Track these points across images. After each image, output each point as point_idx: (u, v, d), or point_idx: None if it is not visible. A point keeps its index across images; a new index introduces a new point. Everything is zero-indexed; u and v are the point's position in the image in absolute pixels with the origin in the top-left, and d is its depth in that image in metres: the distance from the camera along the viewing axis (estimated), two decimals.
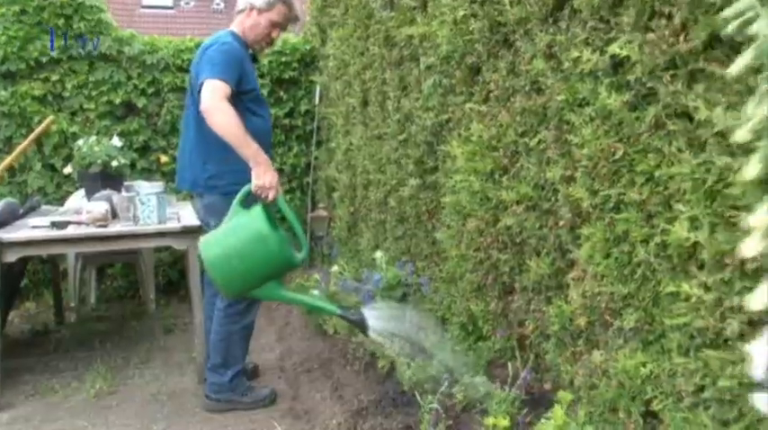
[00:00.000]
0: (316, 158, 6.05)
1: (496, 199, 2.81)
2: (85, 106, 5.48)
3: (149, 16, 22.33)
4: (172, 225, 3.43)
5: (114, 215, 3.64)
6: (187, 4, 23.79)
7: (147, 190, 3.58)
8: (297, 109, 6.09)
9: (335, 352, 3.64)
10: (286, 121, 6.05)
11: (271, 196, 2.81)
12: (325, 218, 5.32)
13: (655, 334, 1.97)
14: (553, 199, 2.47)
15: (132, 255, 4.93)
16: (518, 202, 2.67)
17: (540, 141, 2.52)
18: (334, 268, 4.30)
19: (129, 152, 5.56)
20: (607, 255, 2.17)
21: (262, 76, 5.85)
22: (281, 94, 6.03)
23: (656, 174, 1.86)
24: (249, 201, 2.75)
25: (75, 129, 5.39)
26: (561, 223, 2.41)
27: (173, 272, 5.48)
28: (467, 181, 2.98)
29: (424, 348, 2.96)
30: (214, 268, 2.54)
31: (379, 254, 4.06)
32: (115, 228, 3.41)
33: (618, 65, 2.01)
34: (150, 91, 5.65)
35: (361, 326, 2.68)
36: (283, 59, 5.98)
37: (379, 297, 3.81)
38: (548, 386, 2.76)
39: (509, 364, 2.79)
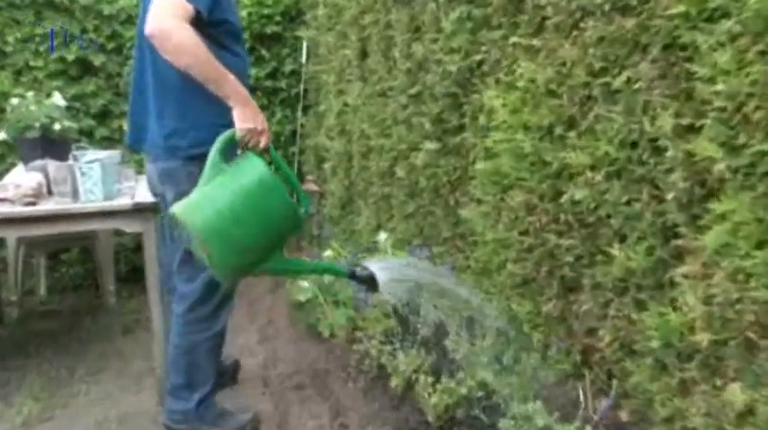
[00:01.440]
0: (302, 125, 5.23)
1: (558, 163, 2.03)
2: (32, 63, 4.61)
3: None
4: (121, 202, 2.62)
5: (51, 190, 2.82)
6: None
7: (90, 157, 2.76)
8: (281, 69, 5.26)
9: (333, 361, 2.87)
10: (268, 83, 5.21)
11: (263, 142, 2.11)
12: (314, 192, 4.51)
13: None
14: (653, 161, 1.70)
15: (87, 239, 4.11)
16: (593, 167, 1.90)
17: (631, 80, 1.74)
18: (328, 253, 3.51)
19: (86, 118, 4.75)
20: (760, 244, 1.40)
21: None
22: (263, 52, 5.18)
23: None
24: (230, 152, 2.05)
25: (20, 90, 4.51)
26: (670, 196, 1.64)
27: (137, 257, 4.61)
28: (511, 140, 2.20)
29: (444, 290, 2.40)
30: (208, 239, 1.80)
31: (382, 235, 3.28)
32: (47, 205, 2.60)
33: None
34: (110, 47, 4.78)
35: (372, 282, 2.12)
36: (265, 12, 5.12)
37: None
38: (625, 415, 2.02)
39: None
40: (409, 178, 3.12)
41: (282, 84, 5.24)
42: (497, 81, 2.36)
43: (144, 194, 2.75)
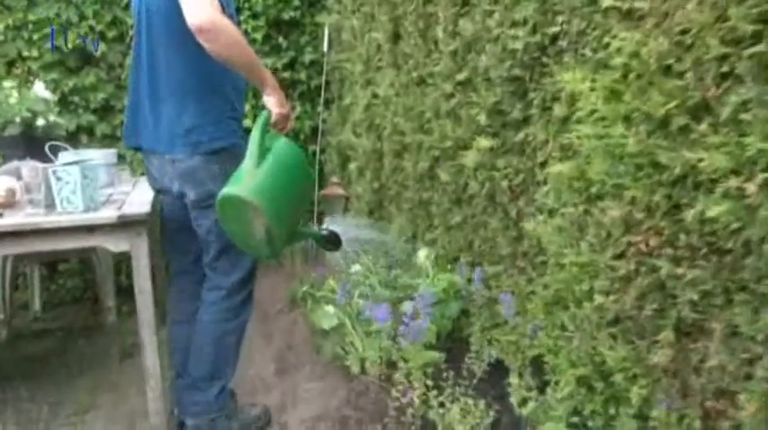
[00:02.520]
0: (324, 121, 4.71)
1: (680, 166, 1.48)
2: (25, 54, 4.12)
3: None
4: (103, 214, 2.11)
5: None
6: None
7: (70, 158, 2.24)
8: (299, 59, 4.74)
9: (366, 405, 2.34)
10: (286, 75, 4.69)
11: (289, 127, 2.27)
12: (341, 197, 3.97)
13: None
14: None
15: (84, 249, 3.60)
16: (737, 172, 1.35)
17: None
18: (356, 268, 2.98)
19: (86, 113, 4.27)
20: None
21: (255, 16, 4.52)
22: (280, 40, 4.66)
23: None
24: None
25: (11, 83, 4.01)
26: None
27: None
28: (605, 136, 1.66)
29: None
30: (273, 219, 1.84)
31: (423, 252, 2.74)
32: (13, 218, 2.09)
33: None
34: (111, 35, 4.28)
35: (338, 241, 2.19)
36: None
37: (426, 315, 2.52)
38: None
39: None
40: (456, 181, 2.58)
41: (302, 75, 4.74)
42: (581, 59, 1.81)
43: (139, 202, 2.25)
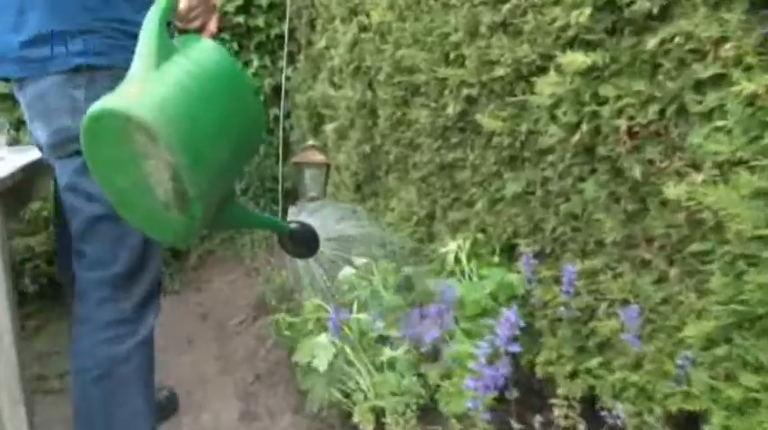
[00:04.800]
0: (288, 79, 3.75)
1: None
2: None
3: None
4: None
5: None
6: None
7: None
8: (255, 1, 3.77)
9: None
10: (239, 20, 3.73)
11: (213, 26, 1.34)
12: (321, 164, 2.98)
13: None
14: None
15: None
16: None
17: None
18: (347, 271, 2.04)
19: None
20: None
21: None
22: None
23: None
24: None
25: None
26: None
27: (53, 268, 3.13)
28: None
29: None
30: (190, 156, 1.00)
31: (453, 244, 1.85)
32: None
33: None
34: None
35: (315, 241, 1.37)
36: None
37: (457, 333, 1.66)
38: None
39: None
40: (511, 130, 1.67)
41: (259, 21, 3.80)
42: None
43: None
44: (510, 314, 1.31)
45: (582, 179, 1.47)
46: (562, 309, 1.50)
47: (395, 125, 2.35)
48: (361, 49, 2.58)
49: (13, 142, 3.02)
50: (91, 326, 1.46)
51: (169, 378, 2.21)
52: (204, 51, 1.13)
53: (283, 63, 3.74)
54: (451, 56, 1.92)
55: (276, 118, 3.84)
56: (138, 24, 1.12)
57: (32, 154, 1.86)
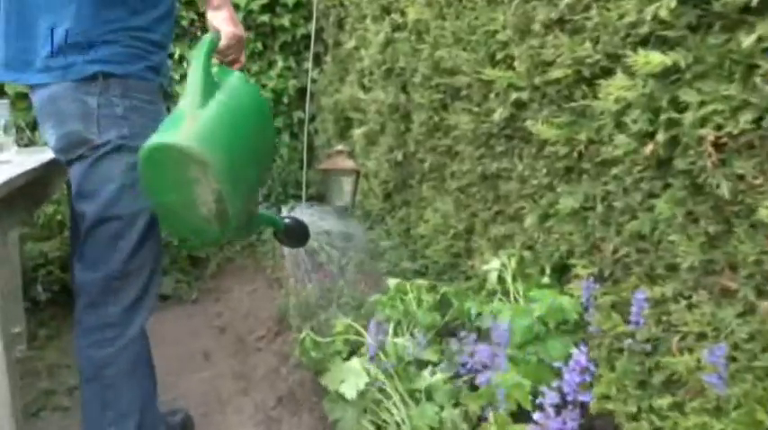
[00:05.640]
0: (314, 81, 3.61)
1: None
2: None
3: None
4: None
5: None
6: None
7: None
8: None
9: None
10: (264, 19, 3.60)
11: (242, 60, 1.59)
12: (350, 171, 2.82)
13: None
14: None
15: None
16: None
17: None
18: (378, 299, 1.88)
19: None
20: None
21: None
22: None
23: None
24: None
25: None
26: None
27: (67, 274, 3.00)
28: None
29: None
30: (231, 181, 1.27)
31: (497, 262, 1.70)
32: None
33: None
34: None
35: (305, 234, 1.64)
36: None
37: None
38: None
39: None
40: (566, 138, 1.51)
41: (284, 20, 3.66)
42: None
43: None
44: (580, 357, 1.14)
45: (653, 195, 1.31)
46: (628, 340, 1.33)
47: (431, 131, 2.20)
48: (394, 49, 2.44)
49: (30, 143, 2.91)
50: (80, 329, 1.51)
51: (185, 395, 2.07)
52: (237, 85, 1.37)
53: (309, 64, 3.61)
54: (498, 56, 1.77)
55: (300, 121, 3.71)
56: (153, 33, 1.45)
57: (43, 155, 1.74)
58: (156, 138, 1.24)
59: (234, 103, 1.33)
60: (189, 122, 1.25)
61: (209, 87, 1.29)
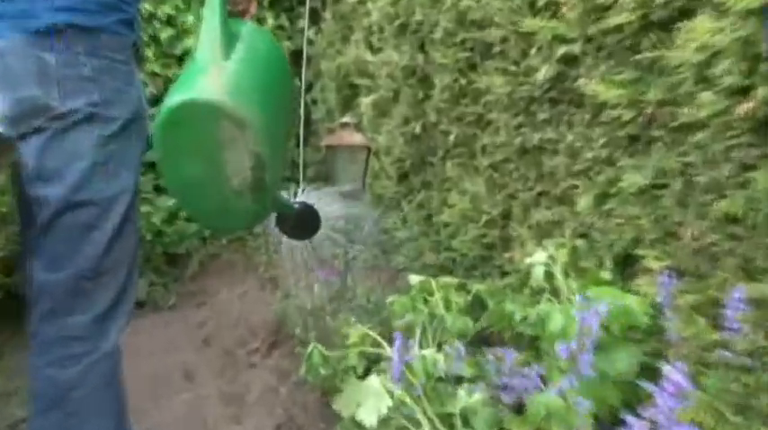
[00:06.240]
0: (311, 43, 3.56)
1: None
2: None
3: None
4: None
5: None
6: None
7: None
8: None
9: None
10: None
11: (252, 10, 1.68)
12: (360, 147, 2.76)
13: None
14: None
15: None
16: None
17: None
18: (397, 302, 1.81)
19: None
20: None
21: None
22: None
23: None
24: None
25: None
26: None
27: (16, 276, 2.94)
28: None
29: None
30: (269, 142, 1.32)
31: (542, 254, 1.63)
32: None
33: None
34: None
35: (313, 222, 1.67)
36: None
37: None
38: None
39: None
40: (630, 102, 1.42)
41: None
42: None
43: None
44: (678, 376, 1.04)
45: (748, 167, 1.22)
46: (722, 351, 1.23)
47: (456, 97, 2.17)
48: (409, 0, 2.36)
49: None
50: (37, 345, 1.44)
51: (162, 424, 2.00)
52: (257, 37, 1.42)
53: (305, 22, 3.54)
54: (540, 3, 1.69)
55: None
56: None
57: None
58: (179, 96, 1.24)
59: (254, 55, 1.37)
60: (215, 75, 1.27)
61: (229, 38, 1.32)
